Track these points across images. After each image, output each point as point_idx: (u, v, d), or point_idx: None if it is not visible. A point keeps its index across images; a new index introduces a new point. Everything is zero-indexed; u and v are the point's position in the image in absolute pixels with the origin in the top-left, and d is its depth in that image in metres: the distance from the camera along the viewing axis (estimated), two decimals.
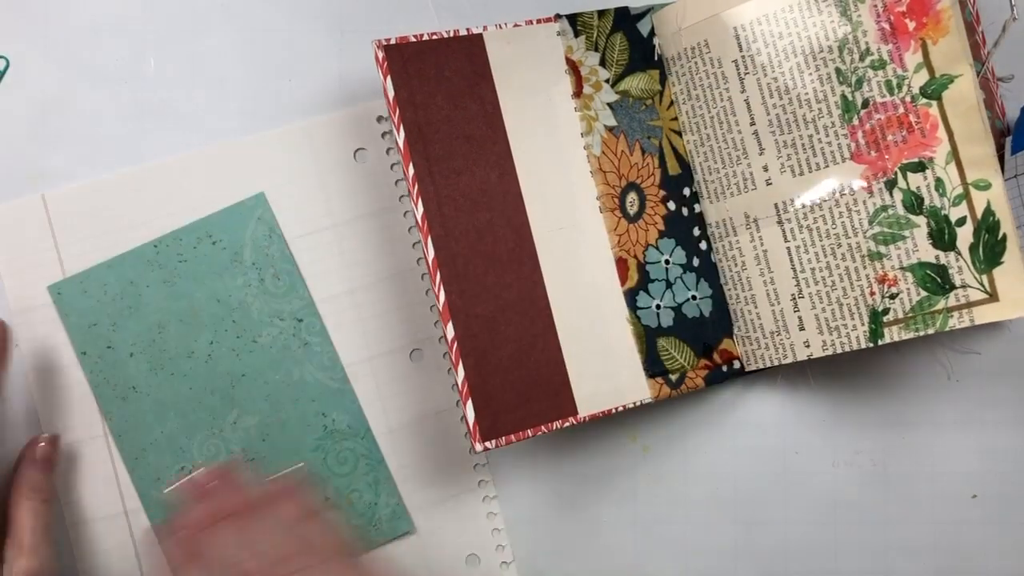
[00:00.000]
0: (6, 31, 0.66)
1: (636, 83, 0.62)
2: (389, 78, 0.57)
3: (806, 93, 0.60)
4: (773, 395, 0.66)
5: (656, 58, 0.63)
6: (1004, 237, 0.57)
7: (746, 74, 0.61)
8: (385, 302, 0.65)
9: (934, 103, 0.58)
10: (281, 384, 0.65)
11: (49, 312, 0.64)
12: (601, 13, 0.62)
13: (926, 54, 0.58)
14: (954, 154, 0.58)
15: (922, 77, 0.58)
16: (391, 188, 0.65)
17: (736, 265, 0.62)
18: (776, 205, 0.61)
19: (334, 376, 0.65)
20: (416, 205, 0.57)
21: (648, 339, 0.61)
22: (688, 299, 0.62)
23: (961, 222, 0.57)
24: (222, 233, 0.65)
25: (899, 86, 0.58)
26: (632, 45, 0.62)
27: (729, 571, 0.65)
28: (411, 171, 0.57)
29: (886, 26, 0.59)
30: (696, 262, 0.62)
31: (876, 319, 0.60)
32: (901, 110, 0.59)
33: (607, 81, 0.62)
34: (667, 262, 0.62)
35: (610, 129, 0.62)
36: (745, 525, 0.66)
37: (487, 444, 0.57)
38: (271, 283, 0.65)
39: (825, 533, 0.67)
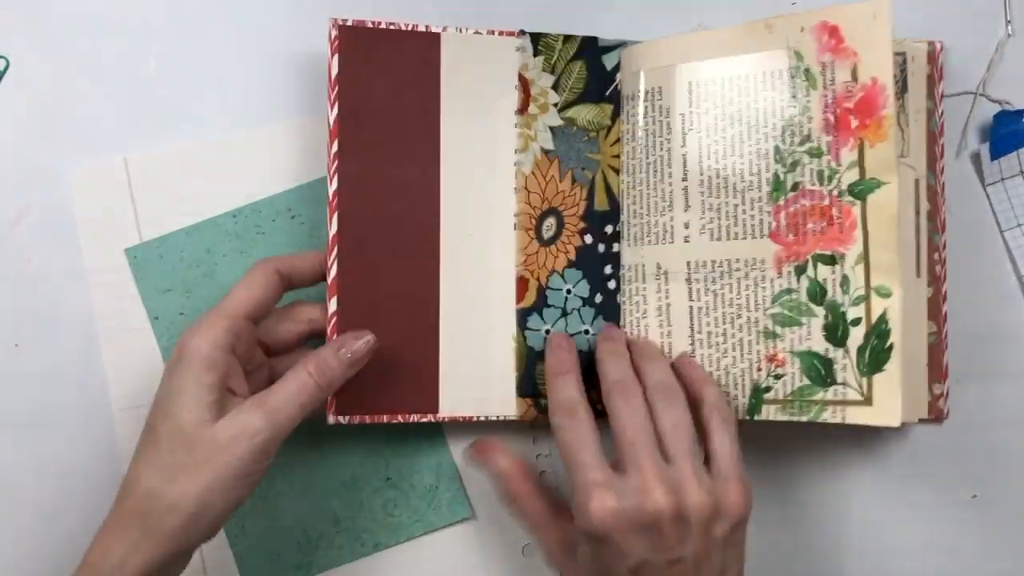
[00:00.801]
0: (6, 31, 0.71)
1: (585, 113, 0.68)
2: (336, 56, 0.65)
3: (741, 163, 0.66)
4: None
5: (614, 93, 0.68)
6: (891, 347, 0.62)
7: (689, 130, 0.67)
8: None
9: (858, 203, 0.63)
10: None
11: (124, 275, 0.70)
12: (567, 38, 0.68)
13: (861, 154, 0.63)
14: (864, 256, 0.63)
15: (853, 175, 0.63)
16: None
17: (638, 311, 0.68)
18: (688, 263, 0.67)
19: None
20: (331, 181, 0.65)
21: (528, 360, 0.67)
22: (581, 332, 0.68)
23: (856, 322, 0.63)
24: (301, 208, 0.71)
25: (830, 178, 0.64)
26: (591, 76, 0.68)
27: None
28: (334, 148, 0.65)
29: (831, 118, 0.64)
30: (599, 299, 0.68)
31: (758, 394, 0.65)
32: (826, 201, 0.64)
33: (555, 105, 0.68)
34: (568, 292, 0.68)
35: (546, 152, 0.68)
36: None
37: (339, 418, 0.65)
38: None
39: (825, 533, 0.73)
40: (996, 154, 0.72)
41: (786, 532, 0.73)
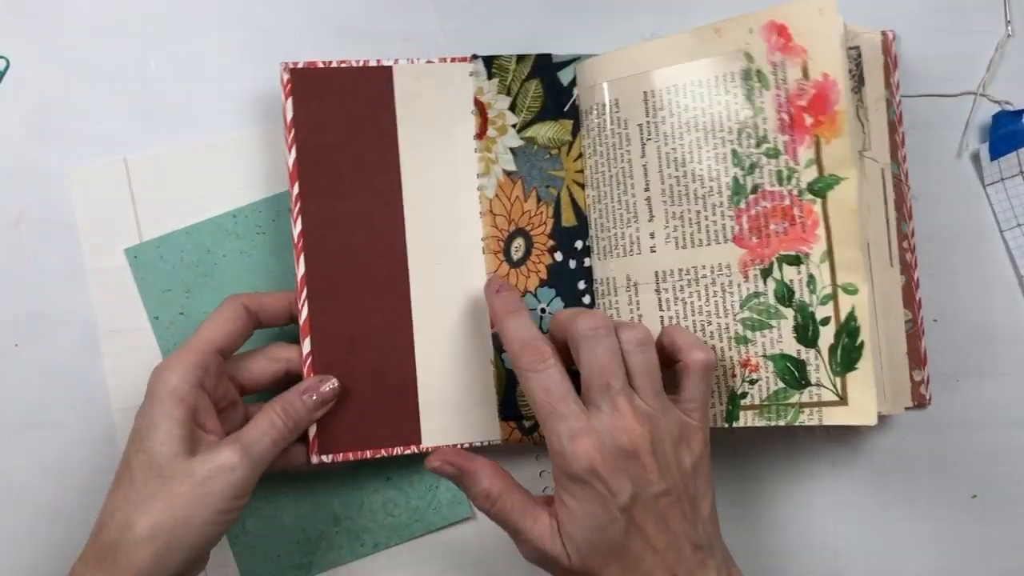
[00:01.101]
0: (6, 31, 0.73)
1: (544, 131, 0.70)
2: (290, 100, 0.67)
3: (701, 169, 0.67)
4: None
5: (572, 108, 0.70)
6: (861, 344, 0.63)
7: (648, 140, 0.68)
8: None
9: (819, 201, 0.64)
10: None
11: (124, 275, 0.72)
12: (520, 58, 0.70)
13: (818, 152, 0.64)
14: (829, 254, 0.64)
15: (811, 173, 0.64)
16: None
17: None
18: (656, 273, 0.68)
19: None
20: (295, 223, 0.67)
21: (508, 383, 0.69)
22: None
23: (825, 322, 0.64)
24: None
25: (789, 178, 0.65)
26: (547, 93, 0.70)
27: None
28: (295, 190, 0.67)
29: (785, 117, 0.65)
30: None
31: (734, 401, 0.67)
32: (787, 202, 0.65)
33: (514, 126, 0.70)
34: (543, 311, 0.70)
35: (508, 174, 0.70)
36: (743, 525, 0.74)
37: (323, 458, 0.67)
38: None
39: (825, 533, 0.75)
40: (996, 154, 0.74)
41: (784, 532, 0.75)
